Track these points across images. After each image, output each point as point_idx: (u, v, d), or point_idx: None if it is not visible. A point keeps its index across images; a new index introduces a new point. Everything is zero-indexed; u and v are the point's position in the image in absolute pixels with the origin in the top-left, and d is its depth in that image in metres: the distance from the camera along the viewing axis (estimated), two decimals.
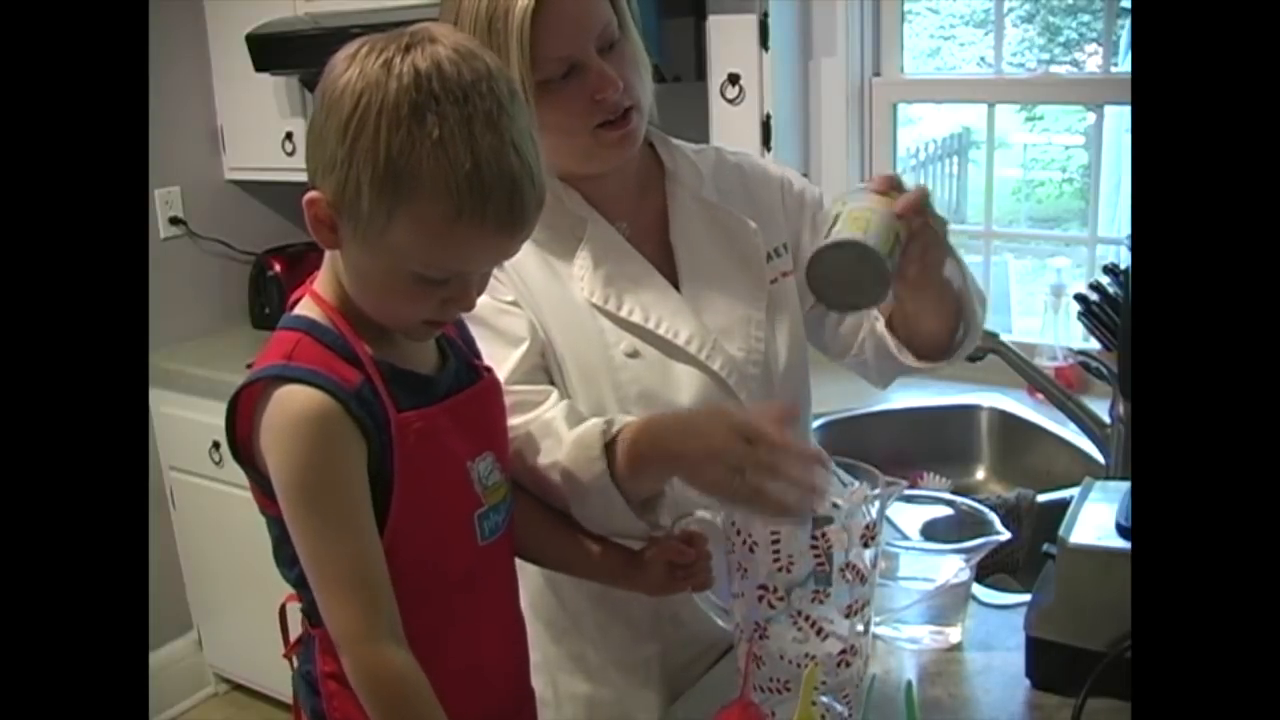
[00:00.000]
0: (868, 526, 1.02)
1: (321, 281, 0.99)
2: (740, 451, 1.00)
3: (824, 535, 1.00)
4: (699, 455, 1.03)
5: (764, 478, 0.99)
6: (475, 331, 1.11)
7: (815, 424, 1.85)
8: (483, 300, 1.14)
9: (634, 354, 1.19)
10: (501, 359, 1.13)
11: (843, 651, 1.03)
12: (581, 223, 1.21)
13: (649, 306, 1.20)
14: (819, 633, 1.03)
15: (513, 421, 1.10)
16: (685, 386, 1.19)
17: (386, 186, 0.87)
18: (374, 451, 0.93)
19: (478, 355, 1.08)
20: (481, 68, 0.89)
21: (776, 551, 1.01)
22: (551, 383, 1.18)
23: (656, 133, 1.27)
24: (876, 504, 1.03)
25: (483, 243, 0.90)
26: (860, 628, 1.05)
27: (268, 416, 0.93)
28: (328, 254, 0.99)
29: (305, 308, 0.98)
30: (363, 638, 0.92)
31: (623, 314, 1.19)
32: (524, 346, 1.15)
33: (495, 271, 1.17)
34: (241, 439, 0.97)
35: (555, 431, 1.10)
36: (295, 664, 1.06)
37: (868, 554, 1.03)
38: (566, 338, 1.19)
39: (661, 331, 1.20)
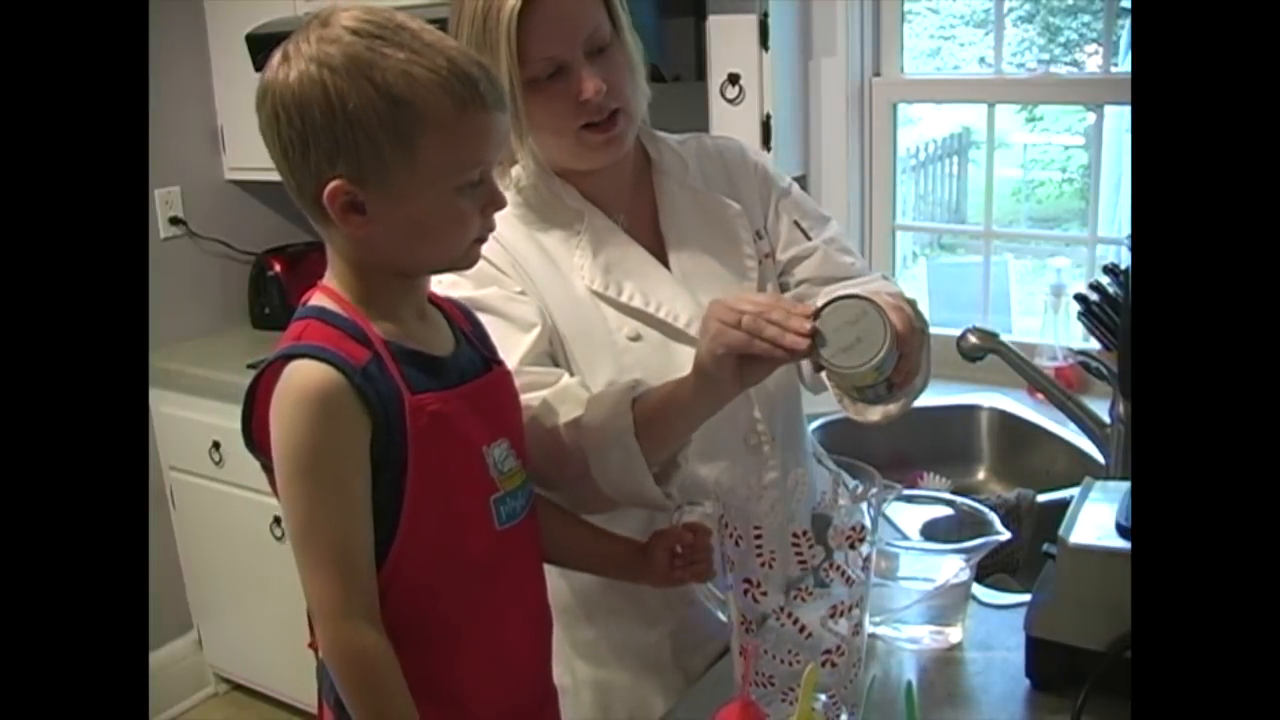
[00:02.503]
0: (854, 528, 1.02)
1: (329, 277, 1.01)
2: (731, 316, 1.04)
3: (805, 534, 1.01)
4: (701, 345, 1.07)
5: (758, 323, 1.03)
6: (487, 320, 1.13)
7: (815, 424, 1.85)
8: (492, 291, 1.18)
9: (636, 338, 1.24)
10: (514, 344, 1.16)
11: (827, 651, 1.03)
12: (579, 216, 1.26)
13: (648, 291, 1.25)
14: (801, 630, 1.03)
15: (526, 398, 1.12)
16: (687, 366, 1.20)
17: (398, 120, 0.91)
18: (379, 430, 0.94)
19: (490, 349, 1.09)
20: (387, 11, 0.95)
21: (759, 547, 1.02)
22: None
23: (643, 128, 1.31)
24: (865, 505, 1.03)
25: (489, 123, 0.96)
26: (846, 629, 1.04)
27: (275, 392, 0.94)
28: (330, 252, 1.01)
29: (315, 299, 1.00)
30: (340, 614, 0.93)
31: (623, 299, 1.24)
32: (535, 331, 1.18)
33: (502, 267, 1.21)
34: (259, 428, 0.98)
35: (575, 395, 1.14)
36: (319, 655, 1.06)
37: (857, 556, 1.03)
38: (571, 327, 1.23)
39: (662, 315, 1.24)
